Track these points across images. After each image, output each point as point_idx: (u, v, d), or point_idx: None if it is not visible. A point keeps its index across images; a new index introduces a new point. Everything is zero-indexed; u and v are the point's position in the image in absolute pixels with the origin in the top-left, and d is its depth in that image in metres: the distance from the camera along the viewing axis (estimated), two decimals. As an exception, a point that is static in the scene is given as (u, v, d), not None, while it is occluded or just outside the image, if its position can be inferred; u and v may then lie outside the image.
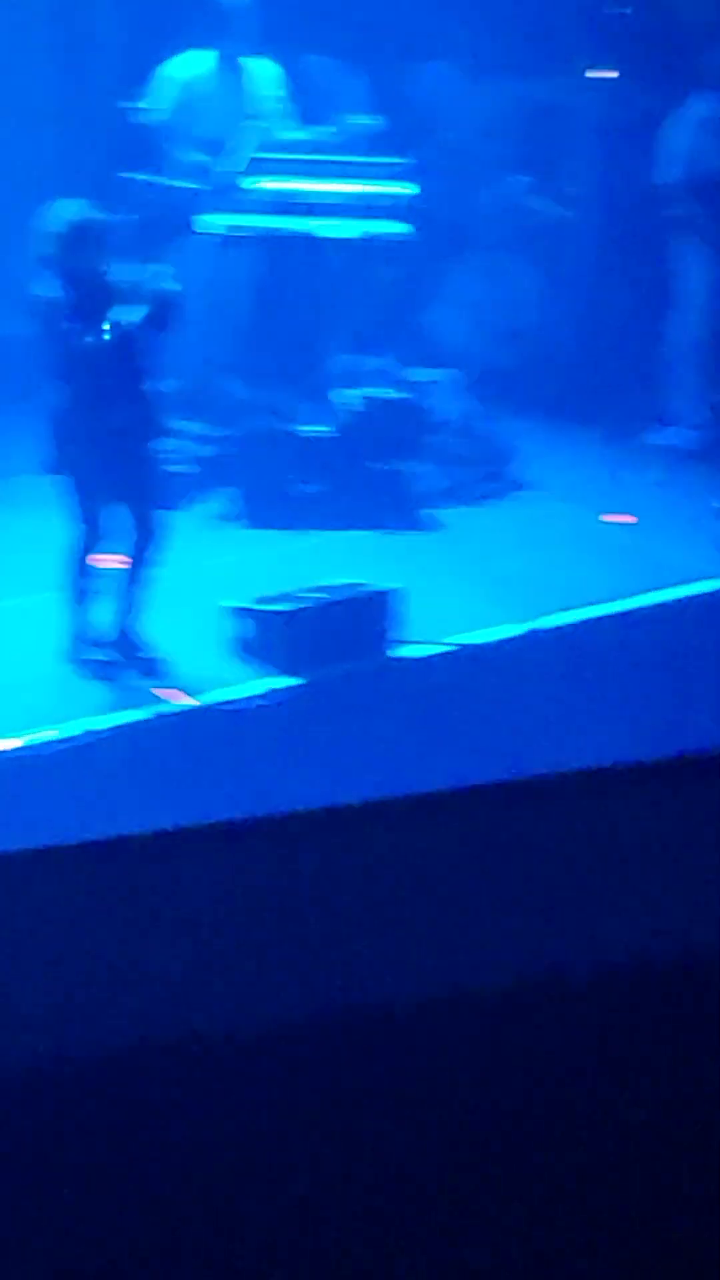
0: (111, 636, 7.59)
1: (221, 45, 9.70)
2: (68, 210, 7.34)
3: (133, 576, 7.62)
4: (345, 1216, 1.83)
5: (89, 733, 7.08)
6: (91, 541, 7.57)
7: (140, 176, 9.13)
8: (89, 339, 7.29)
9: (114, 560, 7.73)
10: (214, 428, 9.25)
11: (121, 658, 7.60)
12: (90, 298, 7.30)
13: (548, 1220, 1.85)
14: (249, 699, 7.41)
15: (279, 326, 9.61)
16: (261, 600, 7.75)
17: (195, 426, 9.39)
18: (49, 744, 6.99)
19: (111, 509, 7.53)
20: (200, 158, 9.57)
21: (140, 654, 7.60)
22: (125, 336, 7.33)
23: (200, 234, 9.07)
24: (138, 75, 10.00)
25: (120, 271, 7.40)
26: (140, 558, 7.60)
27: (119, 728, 7.15)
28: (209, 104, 9.68)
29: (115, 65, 10.71)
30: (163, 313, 7.39)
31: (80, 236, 7.27)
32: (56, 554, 7.58)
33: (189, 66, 9.76)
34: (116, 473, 7.50)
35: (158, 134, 9.55)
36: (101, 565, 7.73)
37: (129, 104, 9.14)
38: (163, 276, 7.45)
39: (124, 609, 7.63)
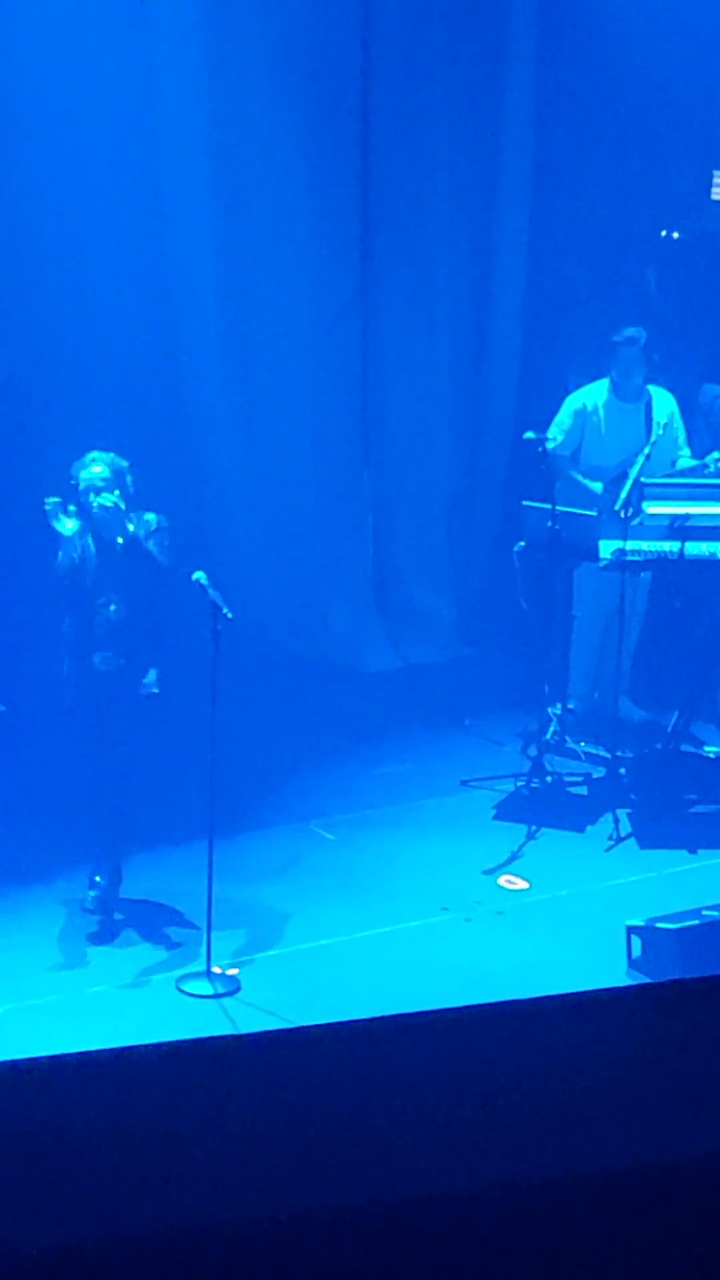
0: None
1: (621, 373, 9.99)
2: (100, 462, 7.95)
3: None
4: None
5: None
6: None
7: (539, 505, 9.36)
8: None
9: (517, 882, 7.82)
10: (609, 749, 9.47)
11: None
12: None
13: None
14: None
15: (672, 649, 9.76)
16: (655, 920, 7.79)
17: (590, 748, 9.61)
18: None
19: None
20: (595, 485, 9.85)
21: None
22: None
23: (596, 559, 9.27)
24: (536, 404, 10.37)
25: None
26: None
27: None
28: (608, 432, 10.01)
29: (513, 391, 11.13)
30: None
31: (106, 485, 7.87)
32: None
33: (593, 396, 10.10)
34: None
35: (559, 462, 9.86)
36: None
37: (532, 435, 9.39)
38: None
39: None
